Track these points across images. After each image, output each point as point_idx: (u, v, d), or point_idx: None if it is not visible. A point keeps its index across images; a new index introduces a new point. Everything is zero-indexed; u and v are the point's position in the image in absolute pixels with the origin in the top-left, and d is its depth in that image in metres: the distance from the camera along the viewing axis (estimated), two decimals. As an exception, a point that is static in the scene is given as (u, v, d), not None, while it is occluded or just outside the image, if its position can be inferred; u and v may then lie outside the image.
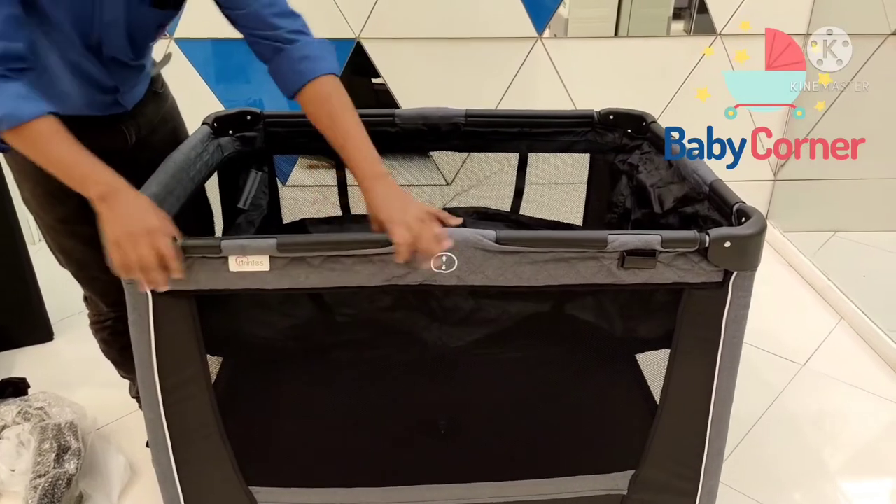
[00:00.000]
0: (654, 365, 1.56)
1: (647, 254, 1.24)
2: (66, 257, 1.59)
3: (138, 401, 1.92)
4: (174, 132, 1.71)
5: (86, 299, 1.74)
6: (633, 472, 1.51)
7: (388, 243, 1.21)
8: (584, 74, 2.96)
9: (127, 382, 1.98)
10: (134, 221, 1.16)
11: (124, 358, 1.73)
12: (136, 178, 1.41)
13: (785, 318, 2.62)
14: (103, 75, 1.43)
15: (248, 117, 1.84)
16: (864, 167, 3.00)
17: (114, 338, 1.73)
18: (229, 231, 1.76)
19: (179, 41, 2.76)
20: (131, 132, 1.57)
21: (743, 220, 1.30)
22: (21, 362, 2.30)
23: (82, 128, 1.38)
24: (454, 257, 1.23)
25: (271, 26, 1.37)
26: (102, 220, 1.19)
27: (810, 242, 3.05)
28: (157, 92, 1.67)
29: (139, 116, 1.58)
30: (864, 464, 1.97)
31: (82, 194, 1.21)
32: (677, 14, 2.98)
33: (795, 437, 2.03)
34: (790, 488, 1.87)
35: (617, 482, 1.53)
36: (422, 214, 1.23)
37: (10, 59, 1.17)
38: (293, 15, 1.42)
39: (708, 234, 1.24)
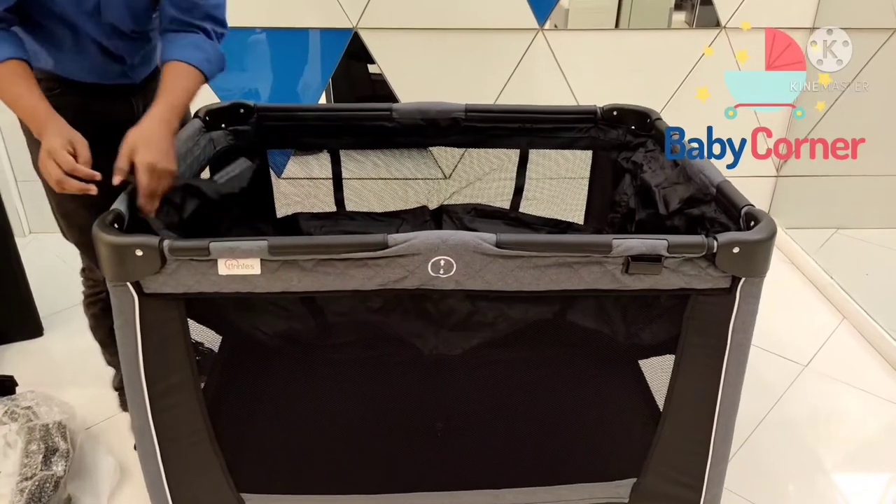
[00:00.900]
0: (657, 371, 1.53)
1: (653, 259, 1.19)
2: (68, 221, 1.61)
3: (120, 393, 1.89)
4: None
5: (83, 272, 1.75)
6: (635, 479, 1.48)
7: (384, 246, 1.16)
8: (585, 66, 2.91)
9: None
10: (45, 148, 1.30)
11: (112, 339, 1.74)
12: None
13: (787, 318, 2.58)
14: (105, 40, 1.45)
15: (241, 110, 1.80)
16: (867, 163, 2.95)
17: (105, 314, 1.73)
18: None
19: (172, 30, 2.69)
20: (139, 104, 1.59)
21: (752, 223, 1.26)
22: (9, 359, 2.25)
23: (92, 95, 1.47)
24: (452, 261, 1.19)
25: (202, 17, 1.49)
26: None
27: (813, 239, 3.01)
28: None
29: (149, 91, 1.57)
30: (867, 466, 1.94)
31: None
32: (679, 5, 2.92)
33: (798, 440, 2.00)
34: (793, 492, 1.83)
35: (619, 490, 1.49)
36: (148, 165, 1.30)
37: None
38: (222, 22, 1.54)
39: (716, 238, 1.20)
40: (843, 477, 1.89)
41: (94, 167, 1.32)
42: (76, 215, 1.57)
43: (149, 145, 1.31)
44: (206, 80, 1.48)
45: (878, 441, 2.03)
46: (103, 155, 1.34)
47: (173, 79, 1.43)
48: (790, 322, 2.56)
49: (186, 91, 1.44)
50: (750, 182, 3.06)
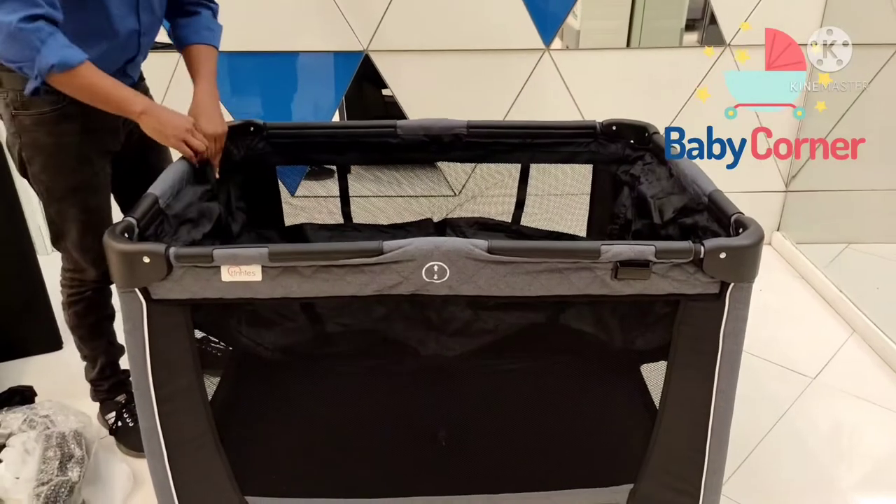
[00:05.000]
0: (656, 377, 1.54)
1: (641, 264, 1.22)
2: (70, 224, 1.66)
3: (93, 385, 1.95)
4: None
5: (66, 271, 1.79)
6: (631, 486, 1.49)
7: (380, 252, 1.21)
8: (595, 85, 2.95)
9: None
10: (179, 122, 1.54)
11: (92, 334, 1.87)
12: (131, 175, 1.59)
13: (796, 331, 2.58)
14: (137, 28, 1.58)
15: (252, 128, 1.86)
16: (878, 178, 2.95)
17: (88, 310, 1.83)
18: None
19: (190, 54, 2.79)
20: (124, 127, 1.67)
21: (740, 230, 1.29)
22: (29, 371, 2.32)
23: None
24: (446, 267, 1.23)
25: None
26: (149, 126, 1.51)
27: (823, 254, 3.00)
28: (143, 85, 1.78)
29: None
30: (875, 480, 1.93)
31: (123, 113, 1.51)
32: (690, 25, 2.97)
33: (805, 452, 1.99)
34: (798, 504, 1.83)
35: (615, 496, 1.51)
36: (213, 134, 1.63)
37: (52, 18, 1.36)
38: None
39: (703, 244, 1.23)
40: (850, 489, 1.88)
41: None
42: (79, 219, 1.64)
43: (209, 117, 1.63)
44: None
45: (886, 452, 2.02)
46: (103, 167, 1.63)
47: (205, 61, 1.72)
48: (799, 335, 2.55)
49: (215, 69, 1.74)
50: (759, 197, 3.10)
